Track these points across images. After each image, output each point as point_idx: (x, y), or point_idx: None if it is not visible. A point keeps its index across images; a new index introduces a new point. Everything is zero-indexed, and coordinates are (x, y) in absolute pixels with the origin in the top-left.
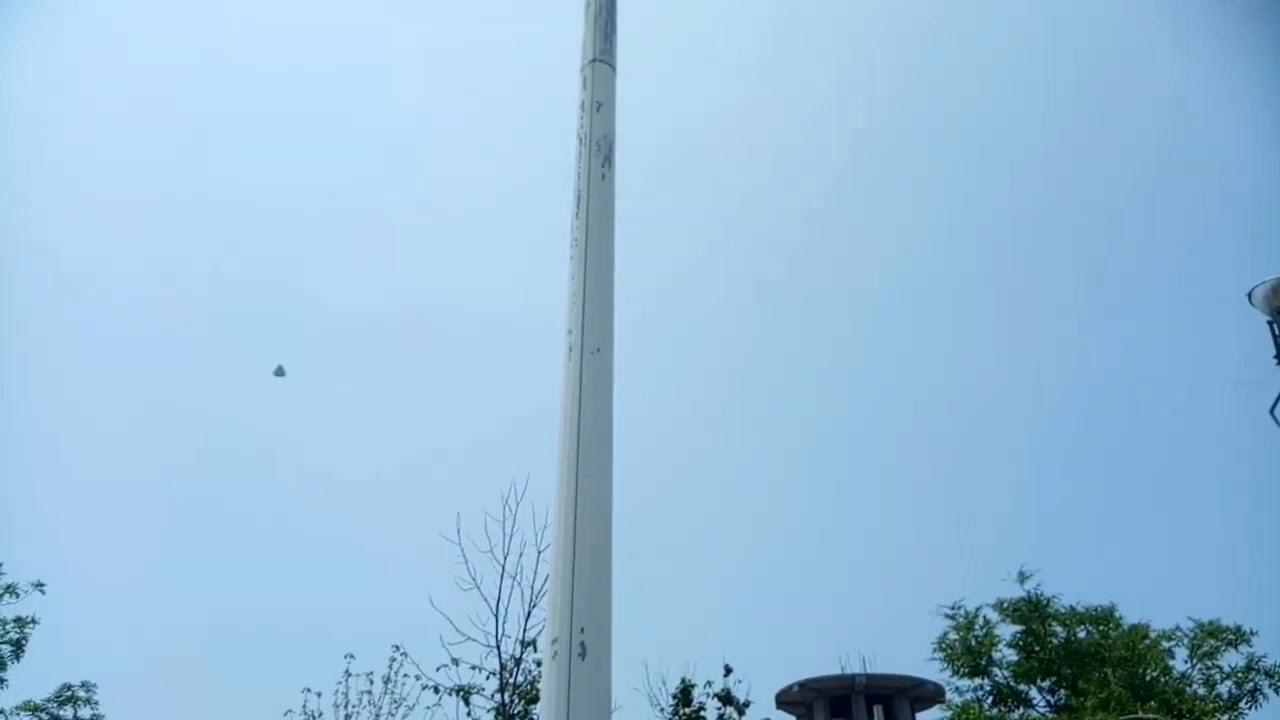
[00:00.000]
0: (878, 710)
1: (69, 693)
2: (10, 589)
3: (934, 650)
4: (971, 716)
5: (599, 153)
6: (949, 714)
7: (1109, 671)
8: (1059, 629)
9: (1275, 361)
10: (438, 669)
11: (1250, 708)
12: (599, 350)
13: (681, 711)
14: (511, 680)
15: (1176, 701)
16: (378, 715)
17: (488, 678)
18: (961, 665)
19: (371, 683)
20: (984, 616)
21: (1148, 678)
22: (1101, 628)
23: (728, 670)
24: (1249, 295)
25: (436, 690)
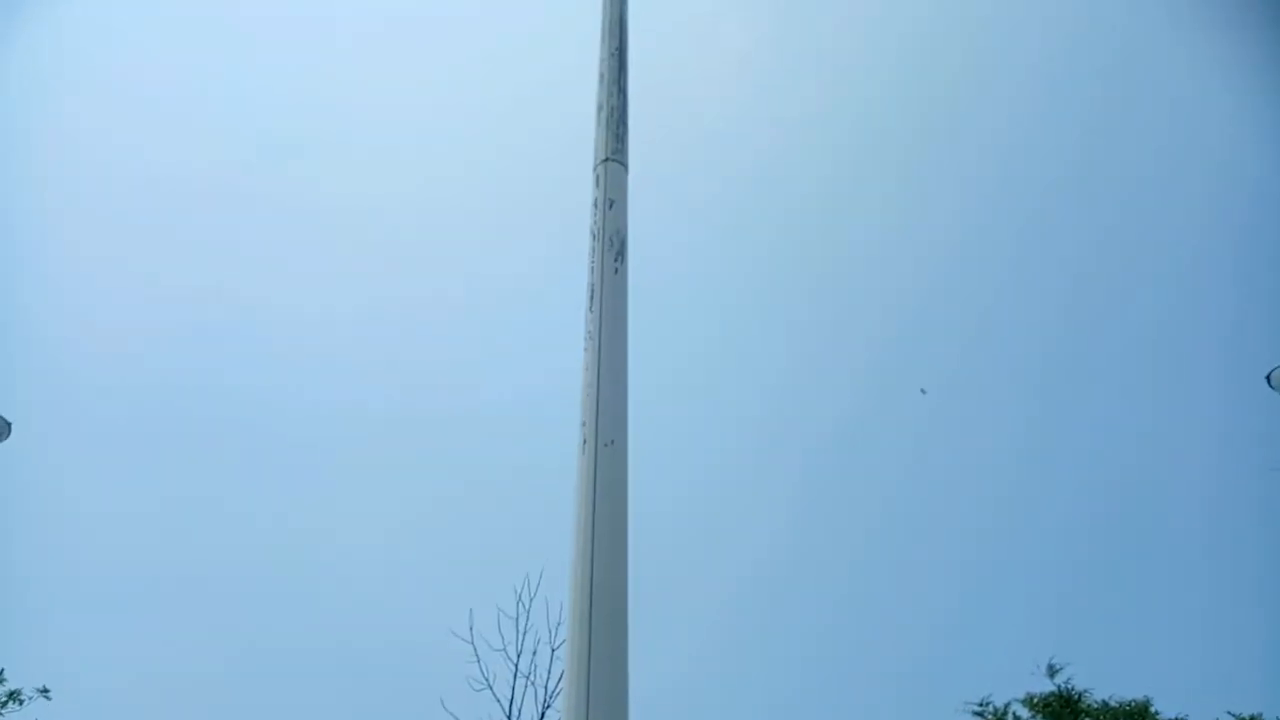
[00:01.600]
0: None
1: None
2: (14, 695)
3: None
4: None
5: (611, 248)
6: None
7: None
8: None
9: None
10: None
11: None
12: (613, 443)
13: None
14: None
15: None
16: None
17: None
18: None
19: None
20: (1013, 713)
21: None
22: None
23: None
24: (1268, 378)
25: None
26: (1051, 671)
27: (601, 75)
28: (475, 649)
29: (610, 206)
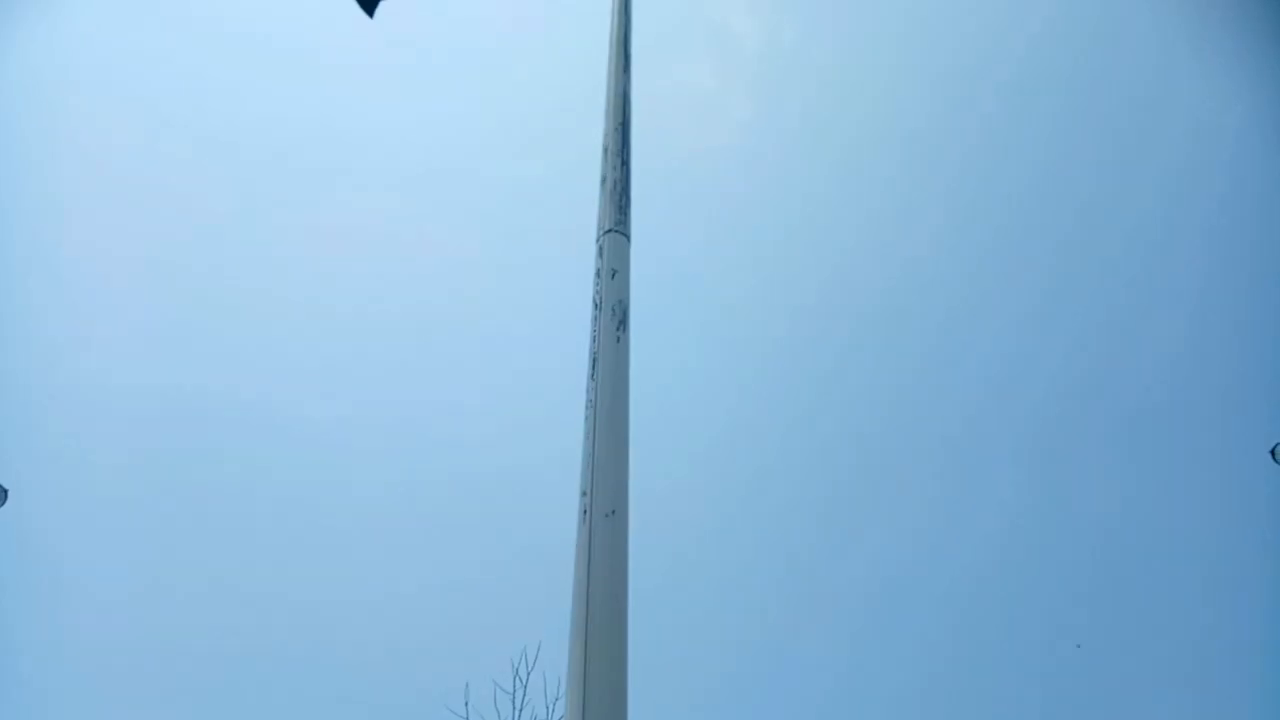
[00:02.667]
0: None
1: None
2: None
3: None
4: None
5: (614, 317)
6: None
7: None
8: None
9: None
10: None
11: None
12: (613, 513)
13: None
14: None
15: None
16: None
17: None
18: None
19: None
20: None
21: None
22: None
23: None
24: (1272, 452)
25: None
26: None
27: (605, 149)
28: None
29: (613, 276)
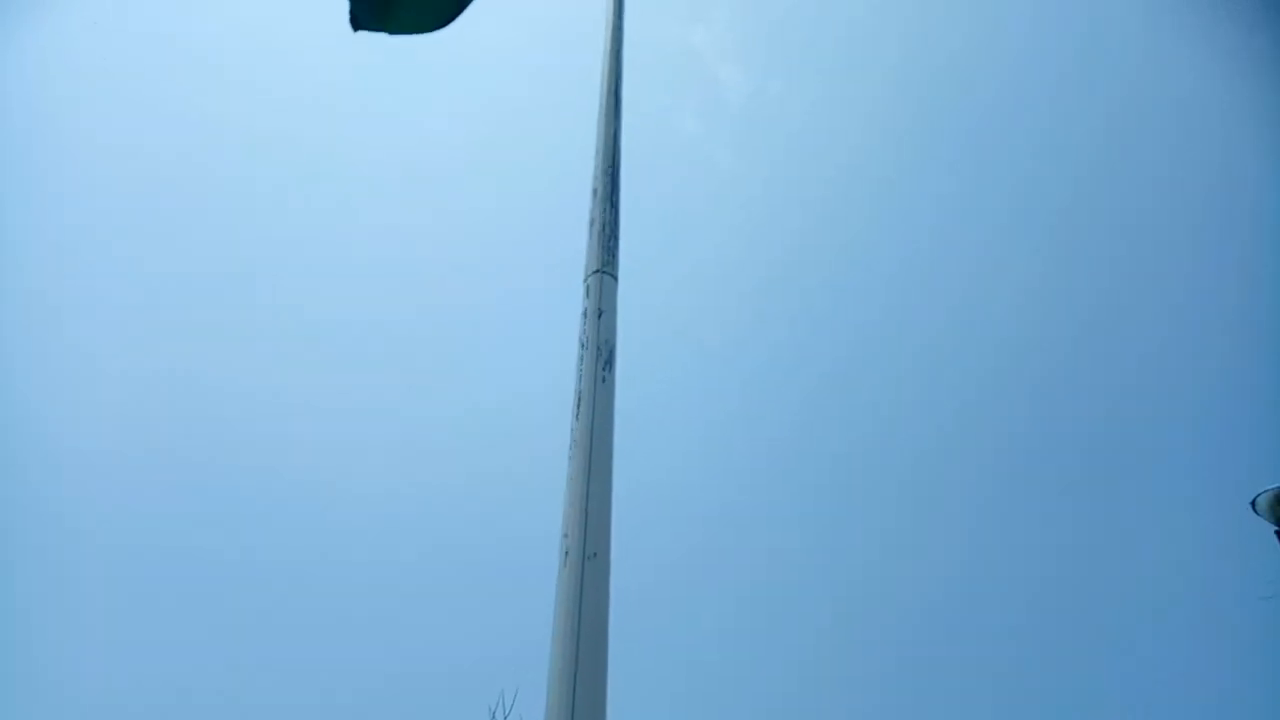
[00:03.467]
0: None
1: None
2: None
3: None
4: None
5: (600, 357)
6: None
7: None
8: None
9: None
10: None
11: None
12: (596, 555)
13: None
14: None
15: None
16: None
17: None
18: None
19: None
20: None
21: None
22: None
23: None
24: (1253, 503)
25: None
26: None
27: (595, 191)
28: None
29: (600, 316)
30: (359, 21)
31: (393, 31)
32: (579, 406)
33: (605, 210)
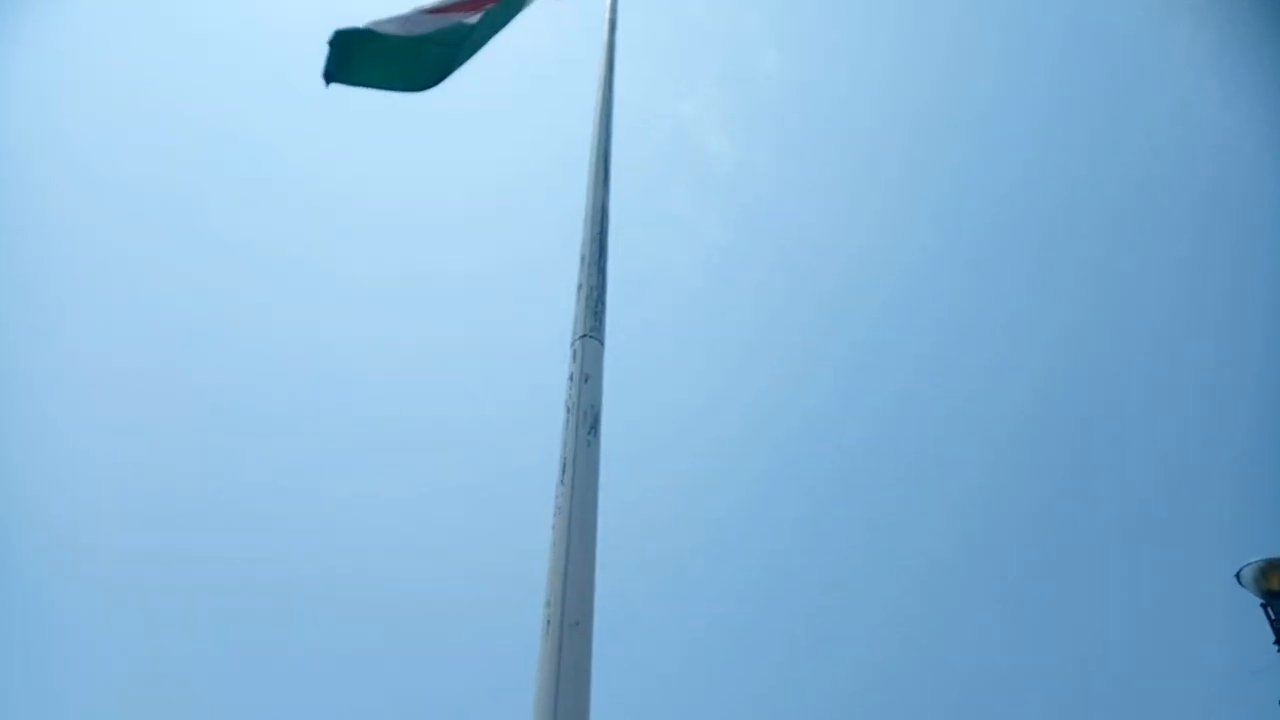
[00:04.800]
0: None
1: None
2: None
3: None
4: None
5: (585, 422)
6: None
7: None
8: None
9: (1275, 647)
10: None
11: None
12: (579, 624)
13: None
14: None
15: None
16: None
17: None
18: None
19: None
20: None
21: None
22: None
23: None
24: (1238, 575)
25: None
26: None
27: (583, 257)
28: None
29: (586, 381)
30: (333, 76)
31: (372, 86)
32: (564, 471)
33: (593, 275)
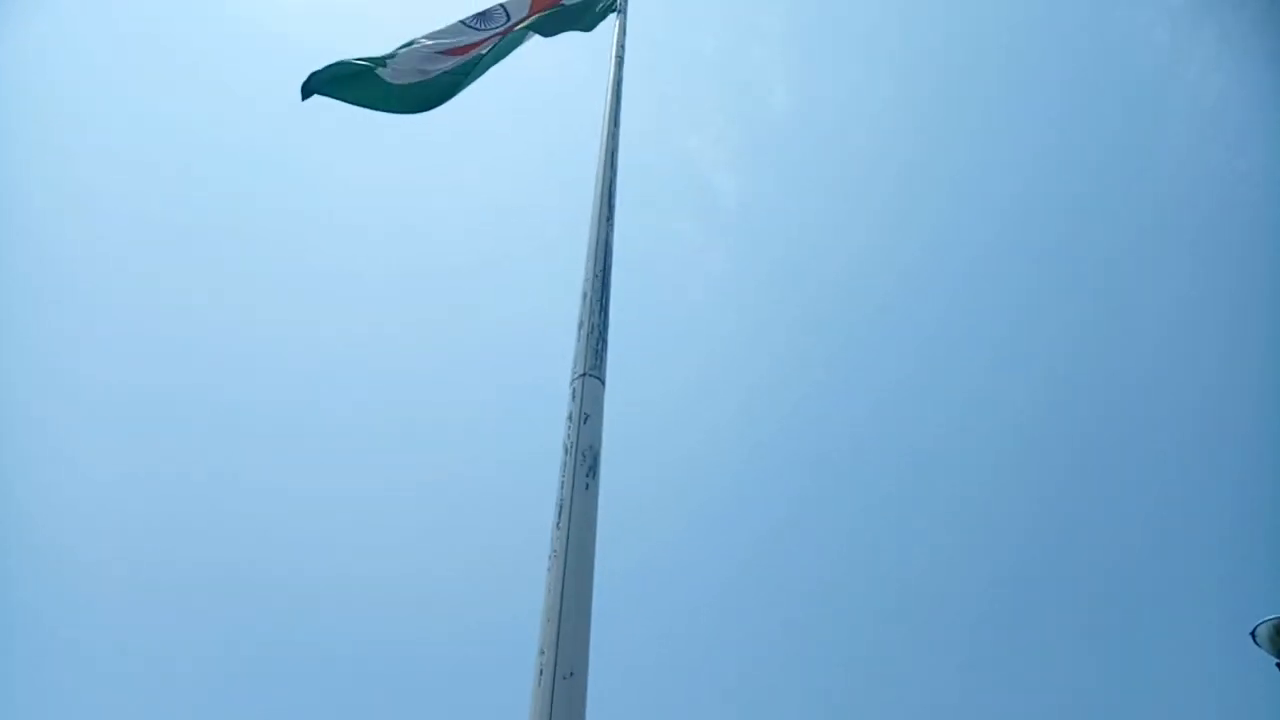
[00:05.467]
0: None
1: None
2: None
3: None
4: None
5: (584, 463)
6: None
7: None
8: None
9: None
10: None
11: None
12: (572, 674)
13: None
14: None
15: None
16: None
17: None
18: None
19: None
20: None
21: None
22: None
23: None
24: (1253, 634)
25: None
26: None
27: (585, 294)
28: None
29: (585, 421)
30: (310, 88)
31: (353, 102)
32: (560, 514)
33: (595, 313)
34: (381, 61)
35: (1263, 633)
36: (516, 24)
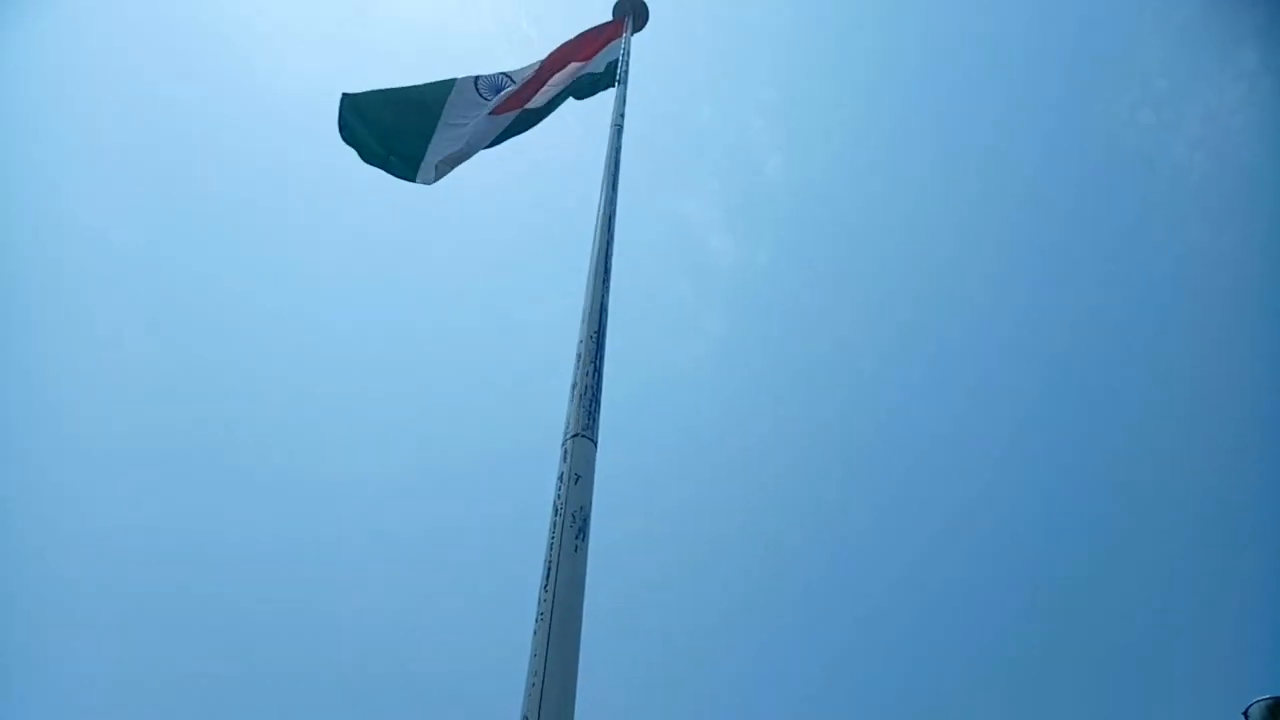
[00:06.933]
0: None
1: None
2: None
3: None
4: None
5: (573, 525)
6: None
7: None
8: None
9: None
10: None
11: None
12: None
13: None
14: None
15: None
16: None
17: None
18: None
19: None
20: None
21: None
22: None
23: None
24: (1245, 714)
25: None
26: None
27: (579, 355)
28: None
29: (576, 481)
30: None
31: (369, 161)
32: (547, 576)
33: (589, 374)
34: (416, 162)
35: (1255, 713)
36: (526, 95)
